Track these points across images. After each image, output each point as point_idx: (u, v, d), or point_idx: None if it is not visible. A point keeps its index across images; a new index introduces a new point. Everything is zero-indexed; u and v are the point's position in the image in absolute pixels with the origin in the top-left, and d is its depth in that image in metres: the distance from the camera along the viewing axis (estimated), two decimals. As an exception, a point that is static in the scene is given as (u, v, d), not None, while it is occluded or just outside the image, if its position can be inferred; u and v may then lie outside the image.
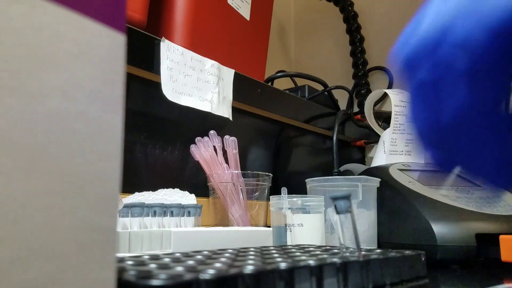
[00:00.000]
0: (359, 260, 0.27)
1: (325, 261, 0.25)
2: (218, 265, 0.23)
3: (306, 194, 0.63)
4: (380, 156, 0.80)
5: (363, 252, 0.30)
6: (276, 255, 0.30)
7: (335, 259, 0.26)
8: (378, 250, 0.34)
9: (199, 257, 0.28)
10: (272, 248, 0.37)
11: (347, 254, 0.29)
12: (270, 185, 0.63)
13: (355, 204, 0.59)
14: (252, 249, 0.35)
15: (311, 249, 0.36)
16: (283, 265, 0.23)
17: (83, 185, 0.15)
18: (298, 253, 0.31)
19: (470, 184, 0.66)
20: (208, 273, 0.20)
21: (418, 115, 0.20)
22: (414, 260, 0.32)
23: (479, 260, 0.53)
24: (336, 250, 0.34)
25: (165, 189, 0.59)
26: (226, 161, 0.61)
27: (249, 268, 0.22)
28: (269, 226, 0.57)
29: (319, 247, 0.39)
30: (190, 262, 0.25)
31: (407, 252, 0.32)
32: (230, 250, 0.33)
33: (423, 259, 0.33)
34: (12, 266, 0.13)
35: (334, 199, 0.28)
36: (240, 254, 0.30)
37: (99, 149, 0.16)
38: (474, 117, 0.18)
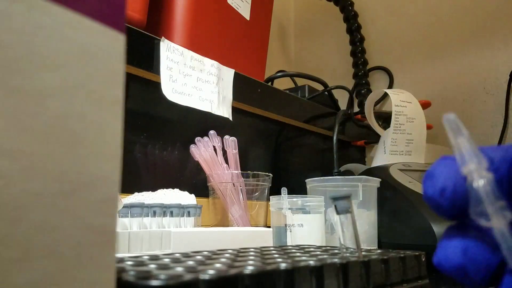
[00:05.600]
0: (359, 260, 0.27)
1: (325, 261, 0.25)
2: (218, 265, 0.23)
3: (306, 194, 0.63)
4: (380, 156, 0.80)
5: (363, 253, 0.30)
6: (276, 255, 0.30)
7: (336, 260, 0.26)
8: (379, 251, 0.34)
9: (199, 257, 0.28)
10: (272, 248, 0.37)
11: (347, 254, 0.29)
12: (270, 185, 0.63)
13: (355, 204, 0.59)
14: (252, 249, 0.35)
15: (311, 249, 0.36)
16: (283, 266, 0.23)
17: (82, 185, 0.15)
18: (298, 254, 0.31)
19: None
20: (208, 273, 0.20)
21: None
22: (415, 260, 0.32)
23: (479, 260, 0.53)
24: (336, 251, 0.34)
25: (165, 189, 0.59)
26: (226, 161, 0.61)
27: (249, 269, 0.21)
28: (269, 226, 0.57)
29: (319, 247, 0.39)
30: (190, 263, 0.25)
31: (408, 252, 0.32)
32: (230, 251, 0.33)
33: (423, 259, 0.33)
34: (12, 266, 0.13)
35: (334, 199, 0.28)
36: (240, 254, 0.30)
37: (99, 149, 0.16)
38: None
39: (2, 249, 0.13)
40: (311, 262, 0.25)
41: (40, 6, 0.14)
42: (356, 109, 1.06)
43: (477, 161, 0.18)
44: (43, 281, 0.13)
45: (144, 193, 0.57)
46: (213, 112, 0.68)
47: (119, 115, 0.16)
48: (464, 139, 0.19)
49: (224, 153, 0.62)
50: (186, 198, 0.59)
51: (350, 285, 0.26)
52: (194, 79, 0.65)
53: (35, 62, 0.14)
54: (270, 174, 0.63)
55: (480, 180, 0.18)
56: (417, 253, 0.32)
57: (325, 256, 0.29)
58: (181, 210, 0.51)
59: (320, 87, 0.99)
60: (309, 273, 0.24)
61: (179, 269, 0.22)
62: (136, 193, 0.56)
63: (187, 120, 0.69)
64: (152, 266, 0.24)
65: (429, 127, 0.92)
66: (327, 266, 0.25)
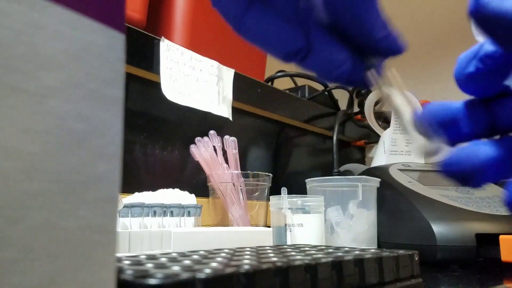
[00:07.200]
0: (352, 259, 0.27)
1: (320, 260, 0.26)
2: (214, 264, 0.24)
3: (306, 194, 0.63)
4: (380, 156, 0.80)
5: (356, 252, 0.30)
6: (271, 254, 0.30)
7: (329, 258, 0.26)
8: (372, 250, 0.35)
9: (195, 256, 0.28)
10: (268, 247, 0.37)
11: (347, 248, 0.30)
12: (270, 185, 0.63)
13: (355, 204, 0.59)
14: (248, 248, 0.35)
15: (306, 248, 0.36)
16: (278, 264, 0.23)
17: (83, 185, 0.15)
18: (293, 253, 0.31)
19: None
20: (205, 272, 0.20)
21: None
22: (408, 259, 0.32)
23: (479, 260, 0.53)
24: (331, 250, 0.34)
25: (165, 189, 0.59)
26: (226, 161, 0.61)
27: (244, 267, 0.22)
28: (269, 226, 0.57)
29: (314, 246, 0.39)
30: (187, 262, 0.25)
31: (401, 251, 0.32)
32: (226, 250, 0.34)
33: (416, 258, 0.33)
34: (12, 266, 0.13)
35: None
36: (236, 253, 0.31)
37: (99, 149, 0.16)
38: None
39: (2, 249, 0.13)
40: (305, 261, 0.25)
41: (40, 6, 0.14)
42: (356, 109, 1.06)
43: None
44: (43, 281, 0.14)
45: (144, 193, 0.57)
46: (213, 112, 0.68)
47: (119, 115, 0.16)
48: None
49: (224, 153, 0.62)
50: (186, 198, 0.59)
51: (344, 283, 0.26)
52: (194, 79, 0.66)
53: (35, 62, 0.14)
54: (270, 174, 0.63)
55: None
56: (410, 252, 0.33)
57: (319, 255, 0.29)
58: (181, 210, 0.51)
59: (320, 87, 0.99)
60: (304, 271, 0.24)
61: (176, 268, 0.22)
62: (136, 193, 0.56)
63: (187, 120, 0.70)
64: (149, 265, 0.24)
65: (429, 127, 0.91)
66: (321, 265, 0.25)
